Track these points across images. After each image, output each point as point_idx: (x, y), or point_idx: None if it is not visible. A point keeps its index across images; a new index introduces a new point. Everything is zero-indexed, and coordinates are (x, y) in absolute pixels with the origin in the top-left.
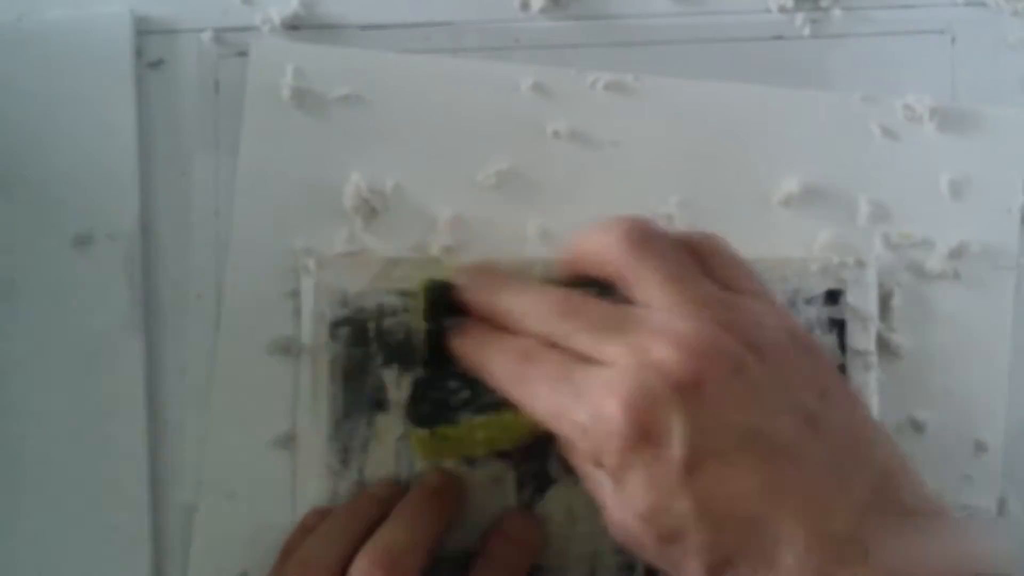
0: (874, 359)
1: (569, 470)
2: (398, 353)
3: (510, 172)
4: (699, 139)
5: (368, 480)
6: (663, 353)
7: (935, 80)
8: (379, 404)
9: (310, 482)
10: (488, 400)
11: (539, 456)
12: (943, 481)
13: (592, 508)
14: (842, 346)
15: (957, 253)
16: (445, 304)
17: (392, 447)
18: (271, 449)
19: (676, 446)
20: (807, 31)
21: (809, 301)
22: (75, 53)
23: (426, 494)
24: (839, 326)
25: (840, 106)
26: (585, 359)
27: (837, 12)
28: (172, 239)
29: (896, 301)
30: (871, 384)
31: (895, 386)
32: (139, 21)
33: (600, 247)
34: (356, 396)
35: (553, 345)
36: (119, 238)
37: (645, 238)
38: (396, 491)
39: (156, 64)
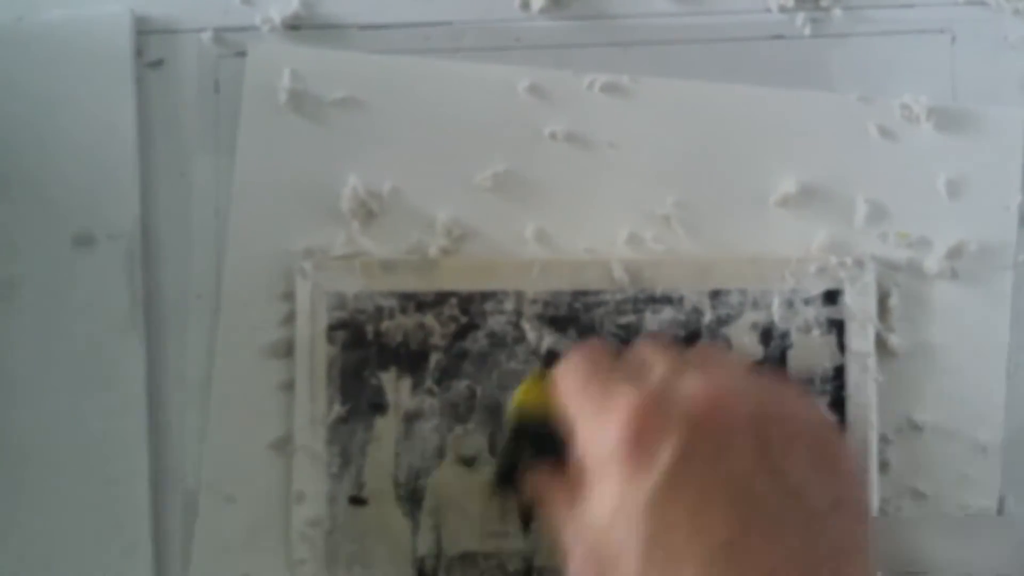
0: (873, 359)
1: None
2: (396, 356)
3: (507, 174)
4: (695, 140)
5: (367, 483)
6: (690, 384)
7: (935, 80)
8: (378, 407)
9: (308, 486)
10: None
11: None
12: (942, 481)
13: None
14: (841, 346)
15: (955, 253)
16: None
17: (391, 450)
18: (269, 452)
19: (658, 469)
20: (807, 31)
21: (807, 301)
22: (75, 53)
23: None
24: (837, 326)
25: (837, 106)
26: None
27: (837, 12)
28: (172, 239)
29: (894, 301)
30: (869, 384)
31: (894, 386)
32: (139, 21)
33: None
34: (354, 399)
35: None
36: (119, 238)
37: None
38: None
39: (156, 64)
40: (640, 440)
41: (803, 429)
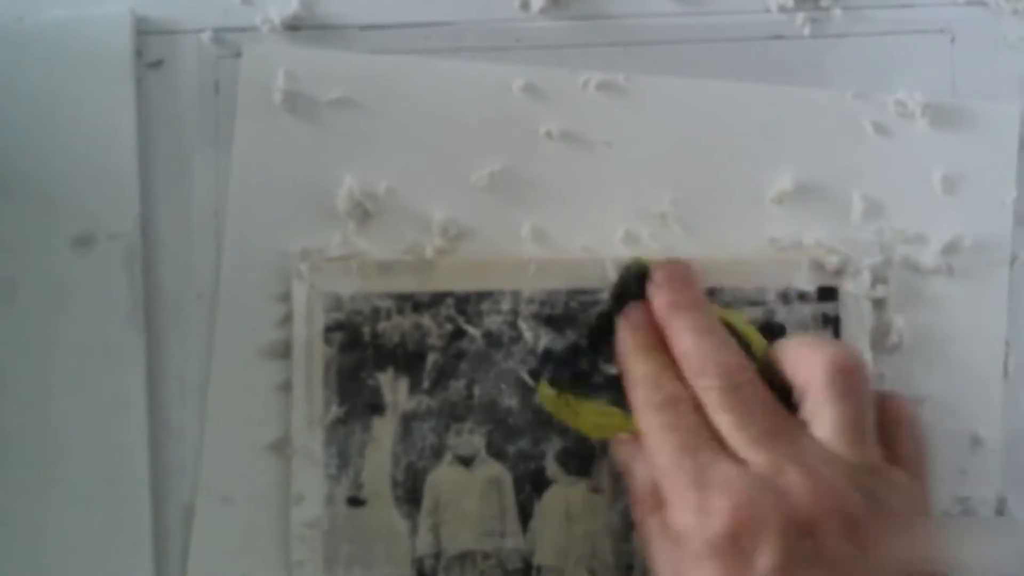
0: (869, 355)
1: (568, 472)
2: (393, 356)
3: (503, 173)
4: (691, 137)
5: (365, 484)
6: (796, 485)
7: (935, 79)
8: (375, 408)
9: (306, 487)
10: (620, 396)
11: (536, 457)
12: (940, 475)
13: (589, 508)
14: None
15: (951, 248)
16: (635, 289)
17: (389, 451)
18: (267, 454)
19: (756, 572)
20: (807, 31)
21: (803, 298)
22: (75, 53)
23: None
24: (834, 323)
25: (832, 103)
26: (721, 440)
27: (837, 12)
28: (172, 239)
29: (890, 297)
30: None
31: (890, 382)
32: (139, 21)
33: (808, 360)
34: (352, 400)
35: (701, 406)
36: (119, 238)
37: (850, 375)
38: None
39: (156, 64)
40: (739, 541)
41: (902, 526)
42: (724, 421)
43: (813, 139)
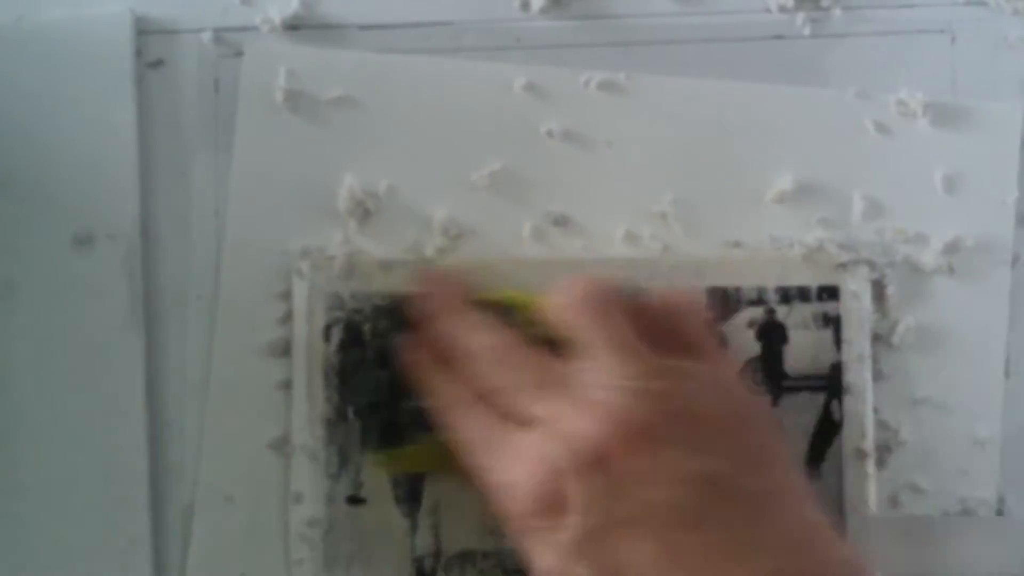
0: (869, 355)
1: None
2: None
3: (504, 172)
4: (692, 137)
5: (365, 483)
6: (575, 425)
7: (935, 79)
8: (375, 406)
9: (306, 486)
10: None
11: None
12: (939, 475)
13: None
14: (837, 342)
15: (952, 248)
16: (399, 319)
17: None
18: (267, 452)
19: (573, 518)
20: (807, 31)
21: (804, 298)
22: (75, 53)
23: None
24: (834, 322)
25: (833, 102)
26: (515, 416)
27: (837, 12)
28: (172, 239)
29: (891, 297)
30: (867, 380)
31: (891, 381)
32: (139, 21)
33: (559, 306)
34: (352, 399)
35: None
36: (119, 238)
37: (600, 302)
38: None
39: (156, 64)
40: (547, 502)
41: (711, 417)
42: (502, 395)
43: (813, 139)
